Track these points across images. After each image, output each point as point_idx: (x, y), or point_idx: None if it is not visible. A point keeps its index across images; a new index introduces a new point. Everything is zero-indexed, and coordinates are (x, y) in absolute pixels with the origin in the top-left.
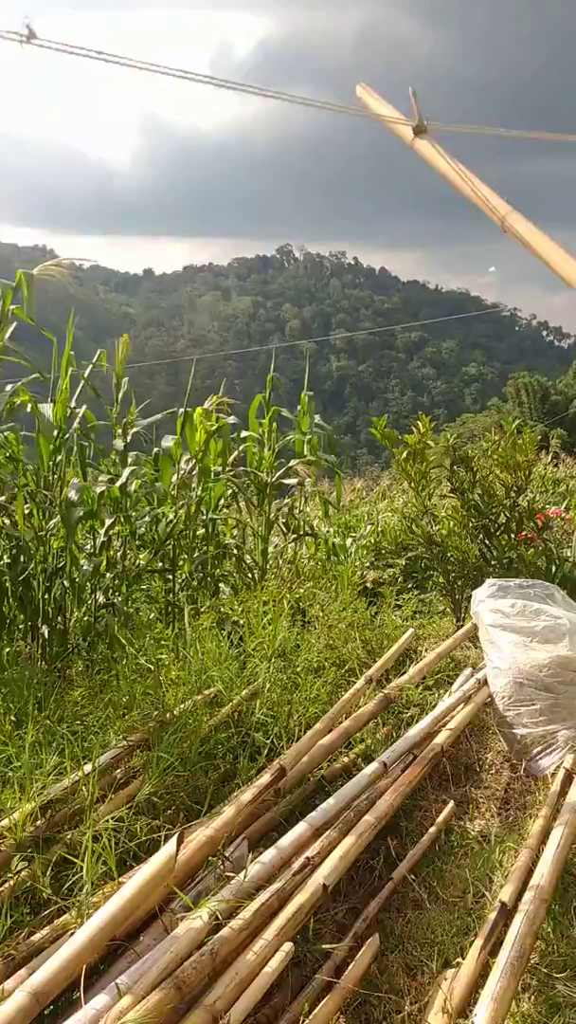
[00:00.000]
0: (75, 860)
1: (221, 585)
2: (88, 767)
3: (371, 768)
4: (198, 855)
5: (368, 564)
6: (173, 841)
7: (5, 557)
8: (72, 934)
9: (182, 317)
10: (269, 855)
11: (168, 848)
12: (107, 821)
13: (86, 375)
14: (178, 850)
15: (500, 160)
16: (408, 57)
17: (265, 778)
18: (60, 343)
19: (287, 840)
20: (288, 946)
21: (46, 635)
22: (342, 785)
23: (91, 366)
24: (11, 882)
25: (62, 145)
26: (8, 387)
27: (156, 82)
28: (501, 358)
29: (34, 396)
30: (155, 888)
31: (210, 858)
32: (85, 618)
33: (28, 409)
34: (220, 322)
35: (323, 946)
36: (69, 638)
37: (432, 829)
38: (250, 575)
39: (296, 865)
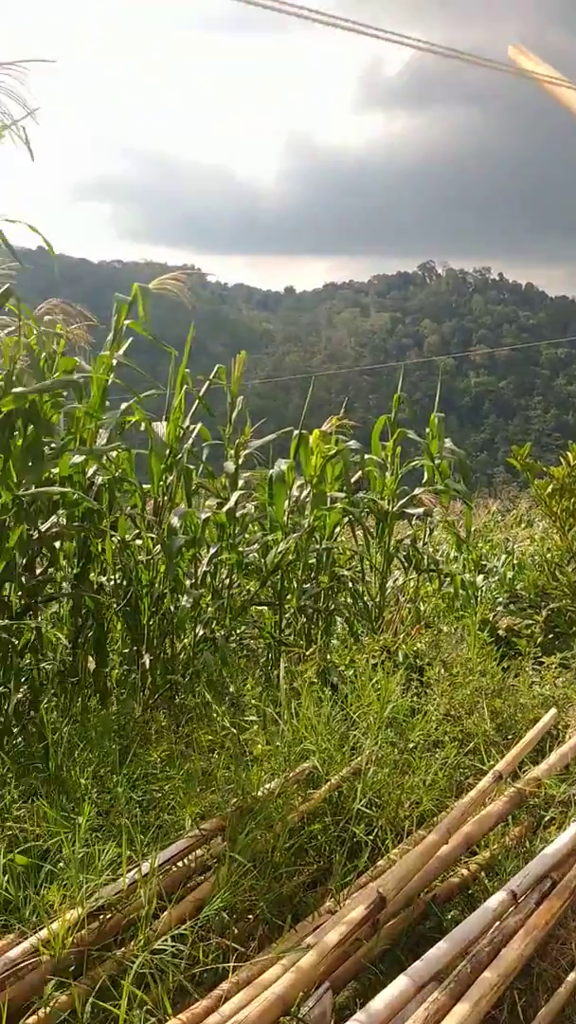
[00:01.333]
0: (111, 1008)
1: (337, 618)
2: (146, 866)
3: (496, 899)
4: (265, 1017)
5: (502, 603)
6: None
7: (116, 578)
8: None
9: (320, 333)
10: None
11: None
12: (165, 940)
13: (201, 393)
14: None
15: None
16: (569, 68)
17: (358, 912)
18: (206, 359)
19: (381, 1002)
20: None
21: (148, 664)
22: (456, 909)
23: (208, 383)
24: (43, 1011)
25: (210, 166)
26: (122, 404)
27: (304, 102)
28: None
29: (151, 414)
30: None
31: (282, 1018)
32: (185, 652)
33: (142, 427)
34: (357, 338)
35: None
36: (173, 668)
37: (572, 976)
38: (366, 611)
39: None
